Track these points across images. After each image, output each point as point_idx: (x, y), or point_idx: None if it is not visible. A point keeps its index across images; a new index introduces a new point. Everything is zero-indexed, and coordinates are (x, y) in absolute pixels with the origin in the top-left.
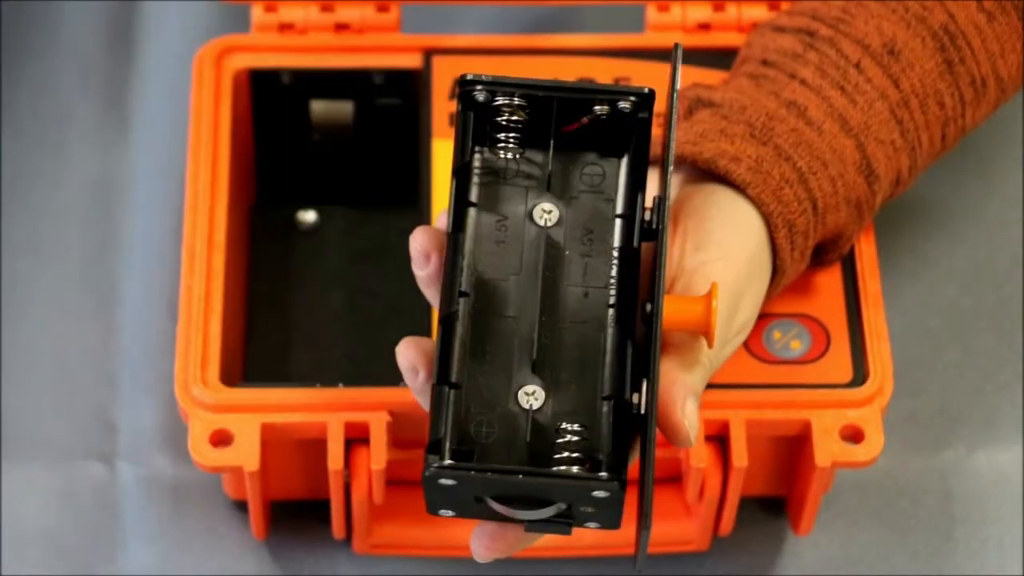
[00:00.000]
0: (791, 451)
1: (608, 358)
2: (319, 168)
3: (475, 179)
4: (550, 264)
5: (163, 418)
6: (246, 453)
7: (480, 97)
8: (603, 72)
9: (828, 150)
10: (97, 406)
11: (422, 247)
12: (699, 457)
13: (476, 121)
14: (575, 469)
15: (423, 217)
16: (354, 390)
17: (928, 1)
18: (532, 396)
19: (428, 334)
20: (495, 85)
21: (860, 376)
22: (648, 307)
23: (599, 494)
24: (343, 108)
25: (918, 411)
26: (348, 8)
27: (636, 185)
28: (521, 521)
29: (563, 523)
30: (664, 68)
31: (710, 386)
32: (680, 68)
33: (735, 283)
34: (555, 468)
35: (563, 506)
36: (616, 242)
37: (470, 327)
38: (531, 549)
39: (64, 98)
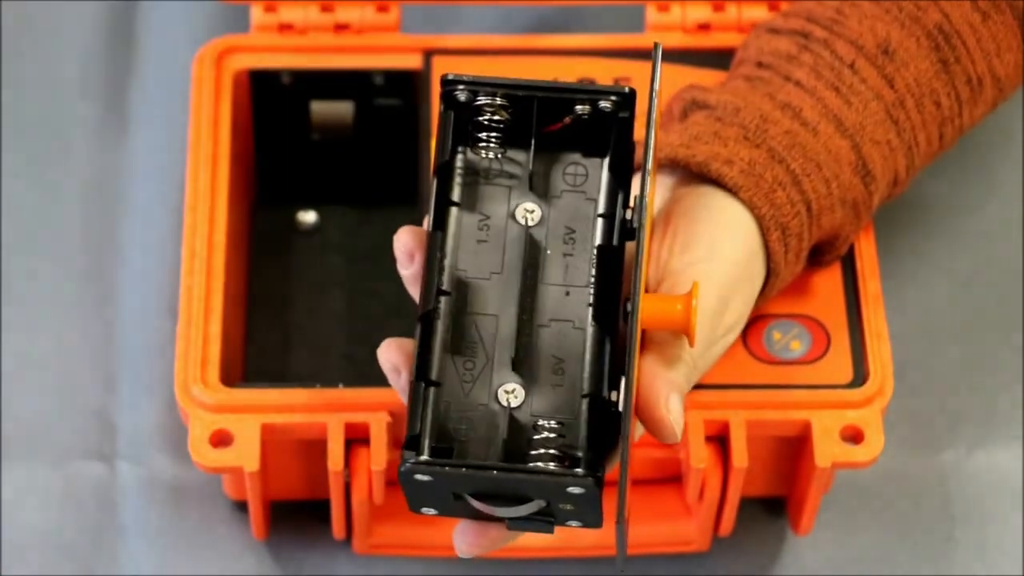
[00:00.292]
0: (791, 451)
1: (588, 356)
2: (319, 168)
3: (457, 179)
4: (532, 263)
5: (163, 418)
6: (246, 453)
7: (462, 97)
8: (603, 72)
9: (823, 151)
10: (97, 406)
11: (406, 247)
12: (699, 457)
13: (458, 120)
14: (551, 466)
15: (423, 217)
16: (354, 390)
17: (922, 1)
18: (511, 394)
19: None
20: (476, 85)
21: (860, 376)
22: (629, 306)
23: (575, 491)
24: (343, 108)
25: (918, 411)
26: (348, 8)
27: (617, 184)
28: (502, 519)
29: (544, 521)
30: (664, 69)
31: (710, 387)
32: (660, 67)
33: (723, 284)
34: (531, 464)
35: (542, 503)
36: (597, 241)
37: (451, 325)
38: (531, 549)
39: (64, 98)
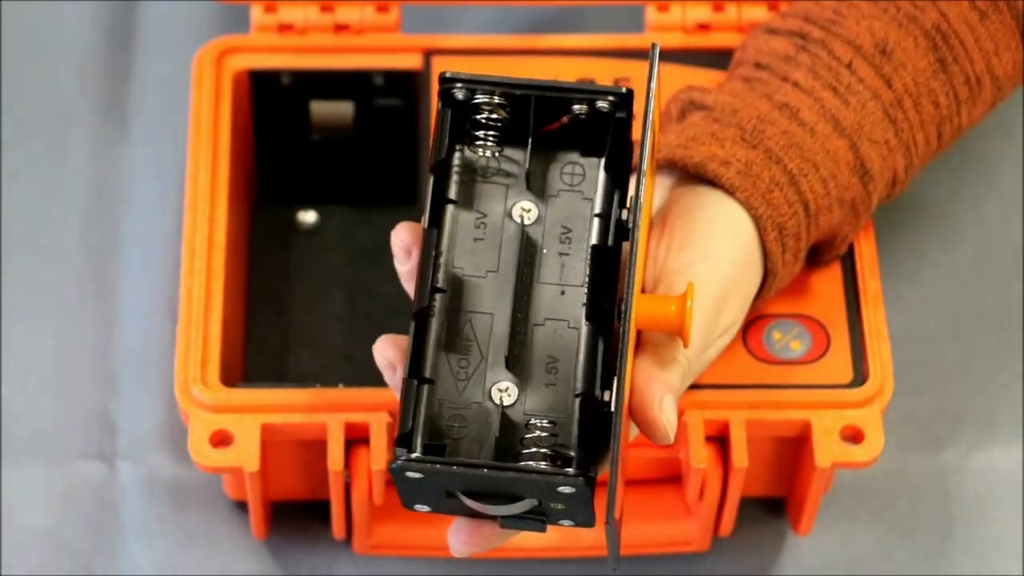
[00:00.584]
0: (791, 452)
1: (581, 356)
2: (319, 168)
3: (454, 176)
4: (528, 262)
5: (163, 418)
6: (246, 453)
7: (459, 95)
8: (603, 72)
9: (820, 151)
10: (97, 406)
11: (403, 242)
12: (699, 457)
13: (455, 118)
14: (542, 465)
15: (421, 217)
16: (354, 390)
17: (920, 1)
18: (505, 392)
19: None
20: (474, 83)
21: (860, 376)
22: (624, 306)
23: (565, 490)
24: (343, 108)
25: (918, 411)
26: (348, 8)
27: (614, 184)
28: (495, 517)
29: (537, 520)
30: (664, 69)
31: (710, 386)
32: (657, 67)
33: (720, 285)
34: (521, 464)
35: (534, 502)
36: (593, 241)
37: (445, 323)
38: (529, 549)
39: (64, 98)
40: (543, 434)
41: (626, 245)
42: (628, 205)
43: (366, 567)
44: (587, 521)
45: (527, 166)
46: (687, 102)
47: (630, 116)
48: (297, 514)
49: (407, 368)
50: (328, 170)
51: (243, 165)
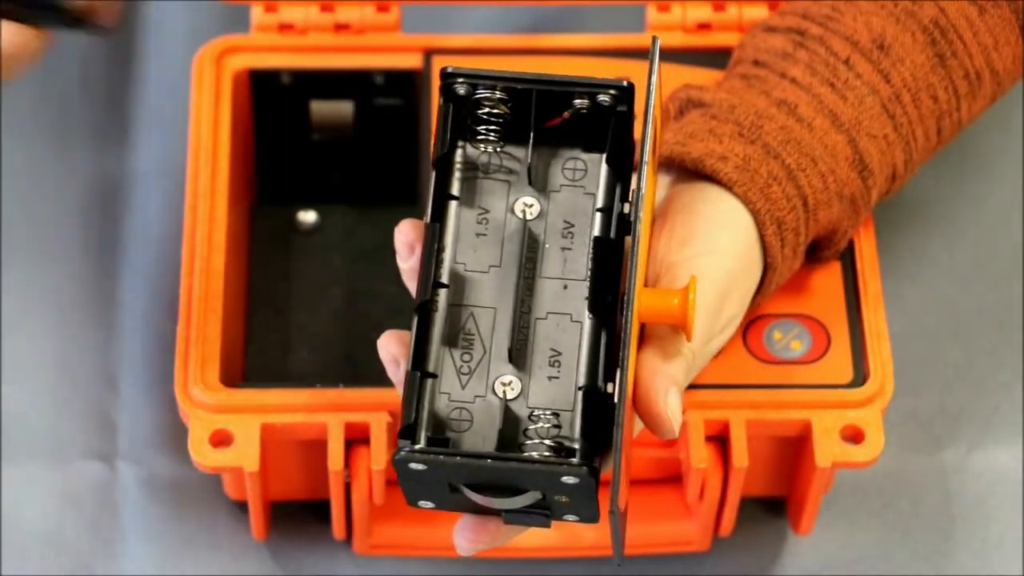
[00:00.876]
0: (791, 451)
1: (584, 349)
2: (319, 168)
3: (456, 172)
4: (530, 256)
5: (163, 418)
6: (246, 453)
7: (461, 90)
8: (603, 72)
9: (819, 146)
10: (97, 406)
11: (407, 238)
12: (699, 457)
13: (457, 114)
14: (546, 455)
15: (422, 216)
16: (354, 390)
17: None
18: (508, 386)
19: None
20: (476, 78)
21: (860, 376)
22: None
23: (569, 480)
24: (343, 108)
25: (918, 411)
26: (348, 8)
27: (616, 178)
28: (499, 512)
29: (541, 514)
30: (664, 68)
31: (711, 386)
32: (658, 61)
33: (722, 278)
34: (525, 454)
35: (538, 495)
36: (595, 234)
37: (448, 317)
38: (531, 549)
39: (64, 98)
40: (547, 426)
41: (628, 238)
42: (630, 199)
43: (366, 567)
44: (591, 516)
45: (529, 161)
46: (685, 100)
47: (631, 110)
48: (297, 514)
49: (410, 361)
50: (328, 170)
51: (243, 165)
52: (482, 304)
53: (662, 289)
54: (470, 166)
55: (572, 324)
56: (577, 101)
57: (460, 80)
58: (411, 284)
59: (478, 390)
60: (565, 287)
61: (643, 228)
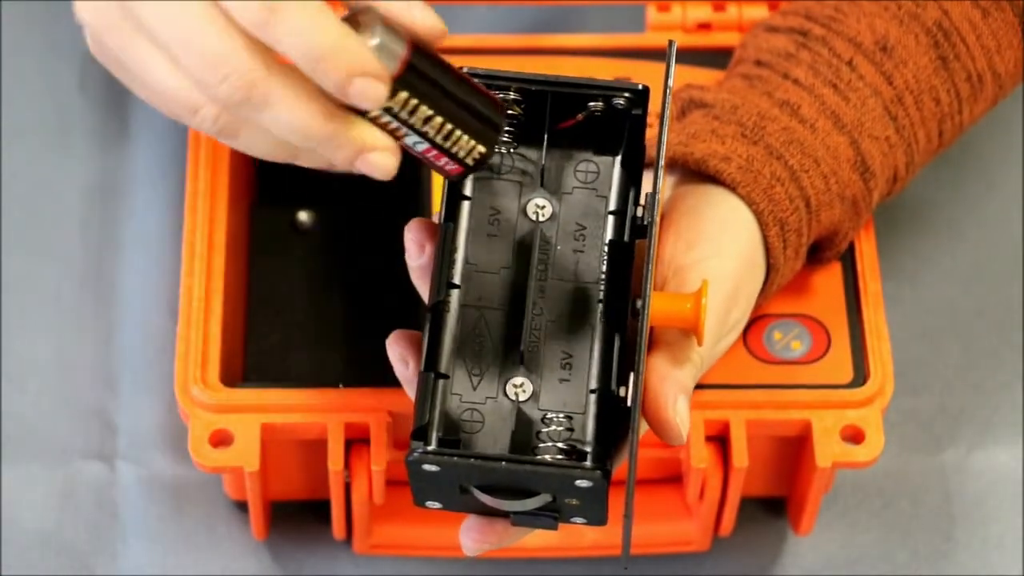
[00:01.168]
0: (791, 451)
1: (596, 352)
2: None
3: None
4: (542, 258)
5: (163, 418)
6: (246, 453)
7: None
8: (604, 72)
9: (821, 147)
10: (97, 406)
11: (417, 237)
12: (699, 457)
13: None
14: (559, 458)
15: (421, 215)
16: (354, 391)
17: None
18: (520, 388)
19: None
20: (490, 79)
21: (860, 376)
22: (639, 303)
23: (582, 484)
24: None
25: (918, 411)
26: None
27: (629, 181)
28: (507, 514)
29: (549, 516)
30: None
31: (711, 386)
32: (674, 65)
33: (729, 280)
34: (538, 457)
35: (548, 498)
36: (609, 237)
37: (460, 318)
38: (532, 549)
39: (64, 98)
40: (559, 429)
41: (641, 242)
42: (643, 202)
43: (366, 567)
44: (599, 519)
45: (542, 163)
46: (687, 100)
47: (646, 113)
48: (297, 514)
49: (423, 362)
50: (328, 170)
51: (243, 165)
52: (493, 305)
53: (674, 294)
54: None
55: (584, 327)
56: (591, 104)
57: (475, 81)
58: (420, 283)
59: (489, 392)
60: (577, 289)
61: (655, 230)
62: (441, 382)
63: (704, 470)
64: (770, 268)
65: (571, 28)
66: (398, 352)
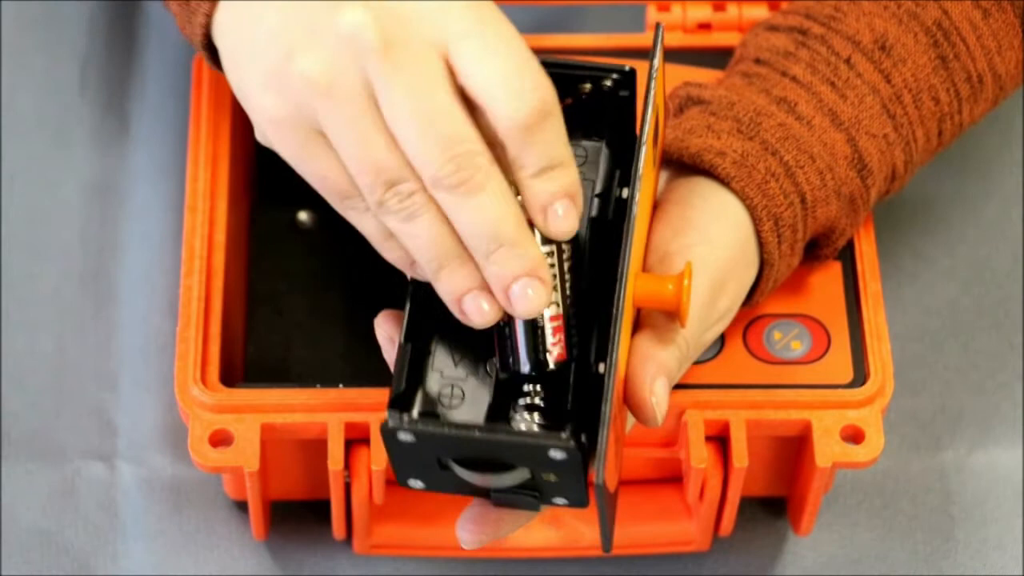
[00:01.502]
0: (791, 451)
1: (576, 328)
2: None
3: None
4: None
5: (163, 418)
6: (246, 453)
7: None
8: None
9: (817, 144)
10: (97, 406)
11: (387, 333)
12: (699, 457)
13: None
14: (535, 428)
15: None
16: (354, 390)
17: None
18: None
19: None
20: None
21: (860, 376)
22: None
23: (556, 454)
24: None
25: (918, 411)
26: None
27: (615, 163)
28: (487, 492)
29: (530, 495)
30: (665, 68)
31: (711, 386)
32: (660, 46)
33: (717, 268)
34: (513, 427)
35: (527, 474)
36: (591, 216)
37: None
38: (532, 549)
39: (64, 98)
40: (536, 401)
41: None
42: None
43: (366, 567)
44: (579, 499)
45: None
46: (685, 97)
47: (634, 95)
48: (297, 514)
49: (403, 333)
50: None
51: (243, 165)
52: None
53: (657, 275)
54: None
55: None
56: (580, 85)
57: None
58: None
59: (470, 367)
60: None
61: (641, 212)
62: (420, 353)
63: (704, 470)
64: (764, 263)
65: (571, 28)
66: (385, 331)
